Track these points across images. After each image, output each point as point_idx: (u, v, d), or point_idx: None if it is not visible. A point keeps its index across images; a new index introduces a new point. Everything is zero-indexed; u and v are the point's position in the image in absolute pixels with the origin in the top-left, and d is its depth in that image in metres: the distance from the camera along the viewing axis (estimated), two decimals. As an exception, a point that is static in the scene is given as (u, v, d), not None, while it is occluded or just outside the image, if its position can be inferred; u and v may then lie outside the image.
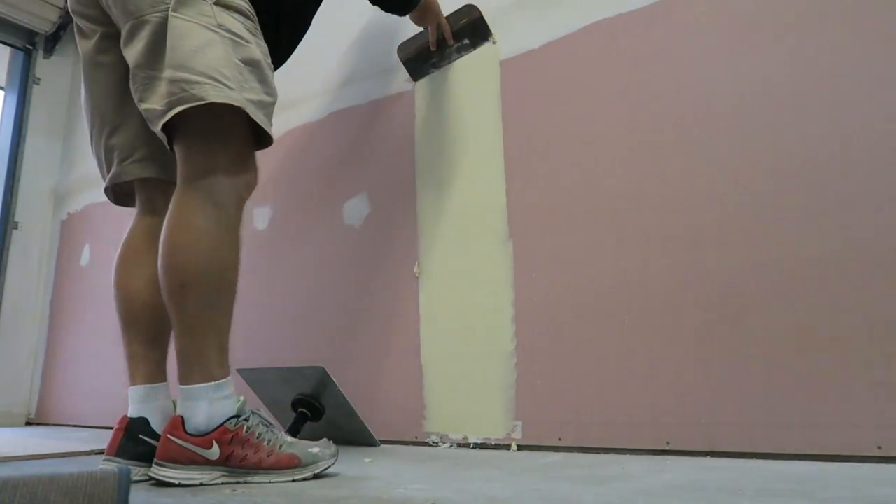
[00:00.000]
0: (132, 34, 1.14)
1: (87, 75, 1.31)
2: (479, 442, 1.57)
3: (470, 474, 1.11)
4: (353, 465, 1.28)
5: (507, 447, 1.51)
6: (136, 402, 1.22)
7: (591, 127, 1.54)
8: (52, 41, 3.23)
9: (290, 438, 1.11)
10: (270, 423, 1.11)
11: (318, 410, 1.60)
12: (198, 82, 1.07)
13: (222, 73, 1.09)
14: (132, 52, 1.15)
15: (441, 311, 1.71)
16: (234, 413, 1.06)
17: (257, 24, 1.21)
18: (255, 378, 1.72)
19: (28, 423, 2.94)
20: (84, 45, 1.30)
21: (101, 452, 1.54)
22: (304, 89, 2.12)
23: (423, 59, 1.83)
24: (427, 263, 1.77)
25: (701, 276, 1.33)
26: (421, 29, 1.81)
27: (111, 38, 1.24)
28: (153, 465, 1.04)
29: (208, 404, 1.05)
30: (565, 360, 1.47)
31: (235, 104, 1.09)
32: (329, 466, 1.10)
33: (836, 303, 1.18)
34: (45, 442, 1.94)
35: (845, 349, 1.16)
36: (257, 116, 1.13)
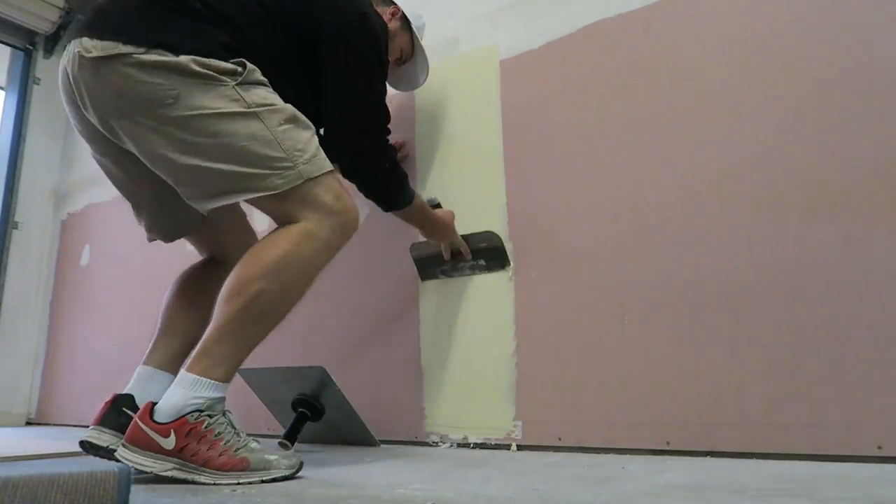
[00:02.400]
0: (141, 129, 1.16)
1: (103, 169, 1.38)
2: (479, 442, 1.57)
3: (470, 474, 1.11)
4: (353, 465, 1.27)
5: (507, 447, 1.51)
6: (134, 379, 1.32)
7: (590, 127, 1.54)
8: (52, 41, 3.23)
9: (254, 444, 1.09)
10: (237, 427, 1.10)
11: (318, 410, 1.60)
12: (258, 175, 1.13)
13: (275, 158, 1.14)
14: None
15: (441, 311, 1.71)
16: (200, 407, 1.07)
17: (266, 80, 1.21)
18: (255, 378, 1.72)
19: (28, 423, 2.94)
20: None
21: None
22: (304, 89, 2.11)
23: (434, 264, 1.72)
24: (427, 263, 1.77)
25: (701, 275, 1.33)
26: None
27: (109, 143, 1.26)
28: (120, 445, 1.06)
29: (188, 395, 1.07)
30: (565, 360, 1.47)
31: (296, 183, 1.15)
32: (283, 476, 1.07)
33: (836, 303, 1.18)
34: (45, 442, 1.94)
35: (845, 349, 1.16)
36: (321, 167, 1.18)
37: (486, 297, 1.64)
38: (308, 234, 1.15)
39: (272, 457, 1.08)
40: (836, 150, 1.23)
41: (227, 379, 1.12)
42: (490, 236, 1.62)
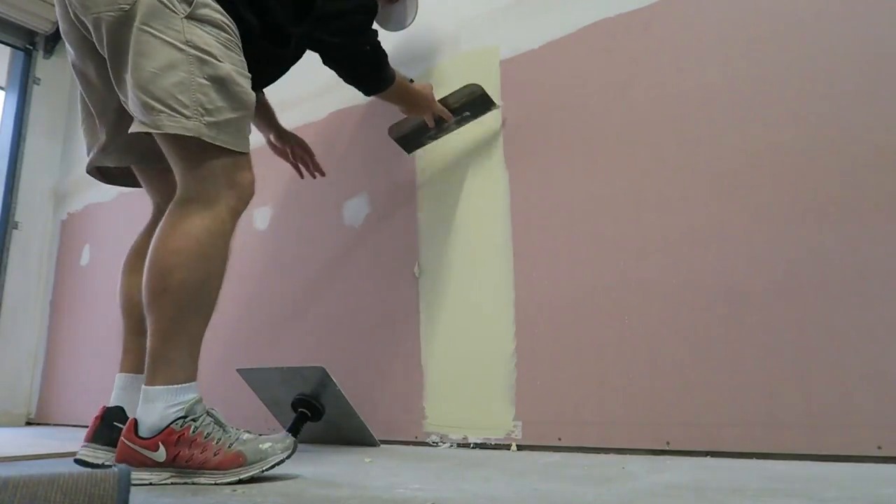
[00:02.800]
0: (96, 30, 1.16)
1: (77, 79, 1.35)
2: (479, 442, 1.57)
3: (470, 474, 1.11)
4: (353, 465, 1.27)
5: (507, 447, 1.51)
6: (116, 389, 1.32)
7: (591, 127, 1.54)
8: (52, 41, 3.23)
9: (245, 436, 1.08)
10: (223, 423, 1.10)
11: (318, 410, 1.60)
12: (154, 109, 1.10)
13: (178, 101, 1.10)
14: (103, 50, 1.17)
15: (441, 312, 1.71)
16: (182, 415, 1.06)
17: (234, 36, 1.19)
18: (255, 378, 1.72)
19: (28, 423, 2.94)
20: (71, 59, 1.33)
21: (101, 452, 1.54)
22: (305, 89, 2.11)
23: (419, 134, 1.74)
24: (427, 263, 1.77)
25: (701, 275, 1.33)
26: None
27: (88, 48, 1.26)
28: (113, 466, 1.05)
29: (164, 407, 1.06)
30: (565, 360, 1.47)
31: (189, 134, 1.10)
32: (280, 461, 1.06)
33: (836, 302, 1.18)
34: (45, 442, 1.94)
35: (845, 349, 1.16)
36: (217, 139, 1.13)
37: (486, 297, 1.64)
38: (204, 207, 1.13)
39: (265, 445, 1.07)
40: (837, 149, 1.23)
41: (191, 377, 1.10)
42: (471, 89, 1.62)
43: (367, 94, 1.58)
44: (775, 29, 1.33)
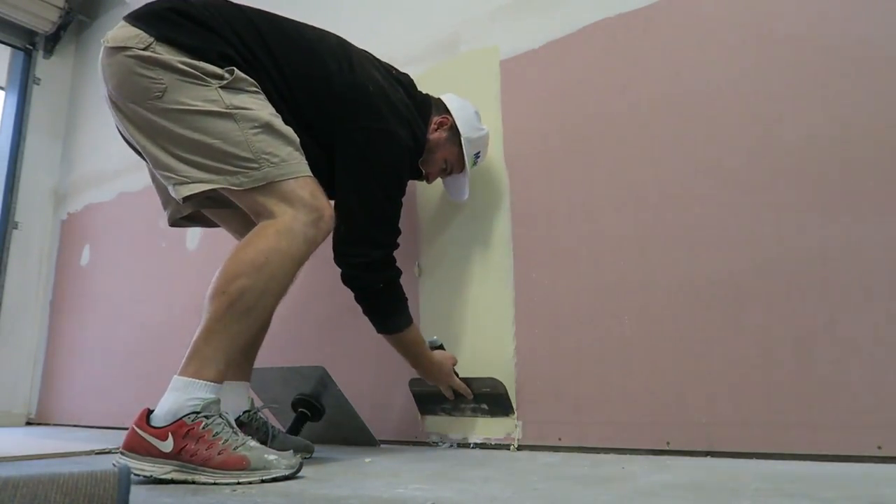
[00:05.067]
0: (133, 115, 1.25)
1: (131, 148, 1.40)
2: (479, 442, 1.57)
3: (470, 474, 1.11)
4: (353, 465, 1.28)
5: (507, 447, 1.51)
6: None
7: (591, 126, 1.54)
8: (52, 41, 3.23)
9: (253, 443, 1.10)
10: (236, 428, 1.11)
11: (318, 410, 1.60)
12: (224, 170, 1.20)
13: (245, 158, 1.20)
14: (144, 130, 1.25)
15: (441, 312, 1.71)
16: (196, 409, 1.08)
17: (262, 94, 1.26)
18: (255, 378, 1.71)
19: (28, 423, 2.94)
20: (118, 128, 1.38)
21: (101, 452, 1.54)
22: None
23: (435, 401, 1.62)
24: (427, 263, 1.77)
25: (701, 276, 1.33)
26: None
27: None
28: (119, 453, 1.08)
29: (184, 398, 1.08)
30: (565, 360, 1.47)
31: (264, 182, 1.20)
32: (283, 476, 1.06)
33: (835, 303, 1.18)
34: (45, 442, 1.94)
35: (845, 349, 1.16)
36: (287, 174, 1.22)
37: (486, 298, 1.63)
38: (282, 228, 1.19)
39: (272, 456, 1.08)
40: (837, 149, 1.23)
41: (219, 379, 1.13)
42: (494, 383, 1.53)
43: (376, 330, 1.49)
44: (775, 28, 1.33)
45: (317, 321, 1.95)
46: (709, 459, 1.23)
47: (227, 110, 1.20)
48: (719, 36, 1.39)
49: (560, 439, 1.44)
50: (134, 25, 1.22)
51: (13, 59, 3.23)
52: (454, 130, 1.54)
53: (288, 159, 1.23)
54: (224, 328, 1.14)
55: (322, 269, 1.98)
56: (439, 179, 1.66)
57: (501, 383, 1.53)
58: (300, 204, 1.21)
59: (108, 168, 2.92)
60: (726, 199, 1.33)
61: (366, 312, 1.47)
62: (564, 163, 1.57)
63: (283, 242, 1.18)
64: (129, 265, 2.65)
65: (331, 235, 1.32)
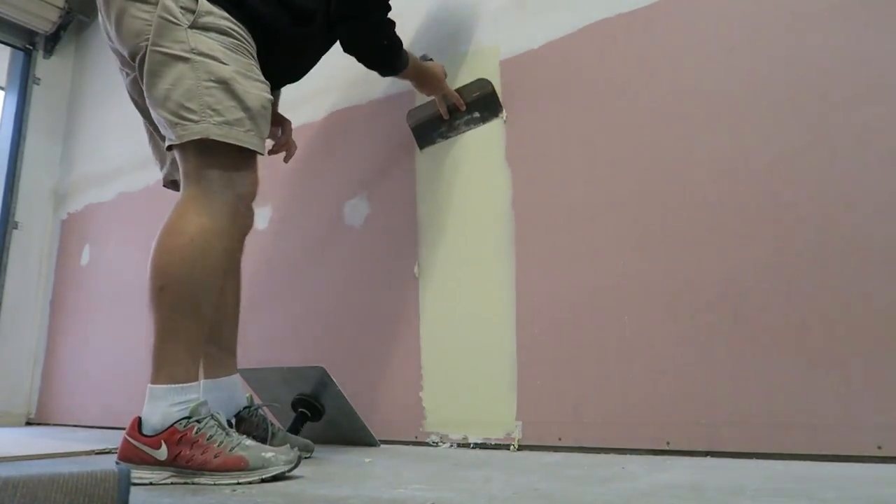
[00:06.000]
0: (131, 62, 1.25)
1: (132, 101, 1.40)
2: (479, 442, 1.57)
3: (470, 474, 1.11)
4: (353, 465, 1.27)
5: (507, 447, 1.51)
6: None
7: (591, 127, 1.54)
8: (52, 41, 3.23)
9: (248, 442, 1.09)
10: (228, 428, 1.10)
11: (318, 410, 1.60)
12: (172, 122, 1.16)
13: (188, 109, 1.15)
14: (141, 80, 1.24)
15: (441, 312, 1.71)
16: (186, 415, 1.07)
17: (241, 40, 1.23)
18: (255, 378, 1.72)
19: (28, 423, 2.94)
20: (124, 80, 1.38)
21: (101, 452, 1.54)
22: (305, 89, 2.11)
23: (431, 128, 1.80)
24: (427, 263, 1.77)
25: (701, 276, 1.33)
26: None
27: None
28: (115, 462, 1.07)
29: (167, 406, 1.07)
30: (565, 360, 1.47)
31: (199, 136, 1.15)
32: (283, 472, 1.06)
33: (835, 302, 1.18)
34: (45, 442, 1.94)
35: (845, 349, 1.16)
36: (229, 136, 1.17)
37: (486, 297, 1.63)
38: (202, 205, 1.16)
39: (269, 454, 1.07)
40: (837, 149, 1.23)
41: (193, 377, 1.12)
42: (482, 83, 1.69)
43: (382, 75, 1.65)
44: (776, 28, 1.33)
45: (317, 321, 1.95)
46: (709, 459, 1.23)
47: (187, 54, 1.16)
48: (719, 36, 1.39)
49: (560, 439, 1.44)
50: None
51: (13, 59, 3.23)
52: None
53: (234, 123, 1.17)
54: (176, 325, 1.11)
55: (322, 268, 1.98)
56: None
57: (488, 81, 1.68)
58: (221, 171, 1.17)
59: (108, 168, 2.92)
60: (727, 199, 1.33)
61: (377, 65, 1.58)
62: (565, 163, 1.57)
63: (205, 219, 1.15)
64: (129, 265, 2.65)
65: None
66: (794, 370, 1.20)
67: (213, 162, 1.17)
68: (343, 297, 1.91)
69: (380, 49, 1.54)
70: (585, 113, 1.56)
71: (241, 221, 1.24)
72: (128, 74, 1.33)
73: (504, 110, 1.67)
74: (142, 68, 1.20)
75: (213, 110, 1.15)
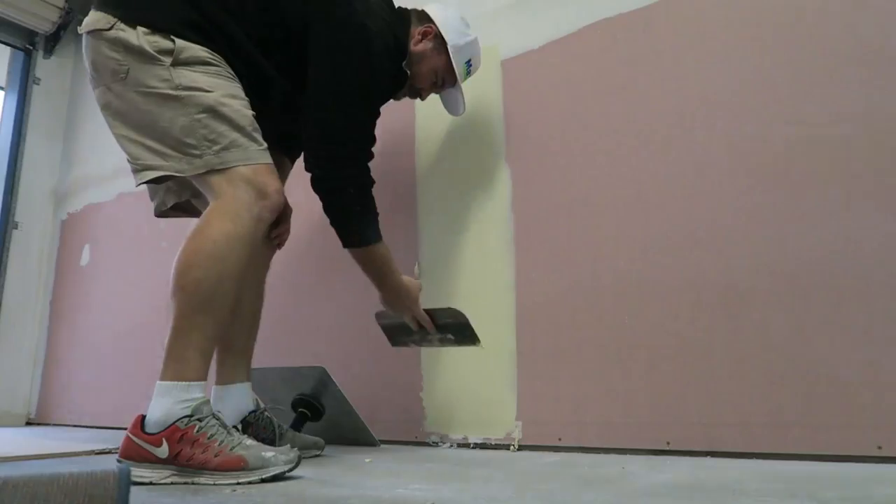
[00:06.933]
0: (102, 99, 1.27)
1: None
2: (479, 442, 1.57)
3: (470, 474, 1.11)
4: (353, 465, 1.27)
5: (507, 447, 1.51)
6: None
7: (591, 126, 1.54)
8: (52, 41, 3.23)
9: (248, 442, 1.09)
10: (229, 427, 1.11)
11: (318, 410, 1.60)
12: (171, 156, 1.20)
13: (187, 144, 1.20)
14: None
15: (441, 311, 1.71)
16: (188, 413, 1.07)
17: (219, 65, 1.25)
18: (255, 378, 1.71)
19: (28, 423, 2.94)
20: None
21: (101, 452, 1.54)
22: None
23: (403, 332, 1.57)
24: (427, 263, 1.77)
25: (701, 276, 1.33)
26: None
27: None
28: (115, 461, 1.08)
29: (172, 403, 1.08)
30: (565, 360, 1.47)
31: (204, 170, 1.19)
32: (282, 472, 1.06)
33: (836, 302, 1.18)
34: (45, 442, 1.94)
35: (845, 349, 1.16)
36: (228, 161, 1.20)
37: (486, 297, 1.63)
38: (225, 210, 1.18)
39: (269, 454, 1.07)
40: (837, 149, 1.23)
41: (201, 377, 1.13)
42: (454, 313, 1.48)
43: (342, 244, 1.41)
44: (776, 28, 1.33)
45: (317, 321, 1.95)
46: (709, 459, 1.23)
47: (176, 92, 1.19)
48: (719, 36, 1.39)
49: (560, 439, 1.44)
50: (99, 9, 1.24)
51: (13, 59, 3.23)
52: (440, 39, 1.49)
53: (230, 147, 1.20)
54: (190, 324, 1.13)
55: (322, 268, 1.98)
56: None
57: (462, 313, 1.48)
58: (241, 182, 1.20)
59: (107, 168, 2.92)
60: (726, 199, 1.33)
61: (333, 223, 1.38)
62: (565, 163, 1.57)
63: (228, 224, 1.17)
64: (129, 265, 2.65)
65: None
66: (794, 370, 1.20)
67: (228, 180, 1.20)
68: (343, 296, 1.91)
69: (339, 201, 1.35)
70: (585, 113, 1.56)
71: (264, 228, 1.25)
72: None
73: (480, 342, 1.48)
74: (123, 103, 1.23)
75: (209, 141, 1.20)
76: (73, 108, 3.30)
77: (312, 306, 1.98)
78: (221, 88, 1.23)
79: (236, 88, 1.26)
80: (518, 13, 1.72)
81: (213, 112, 1.21)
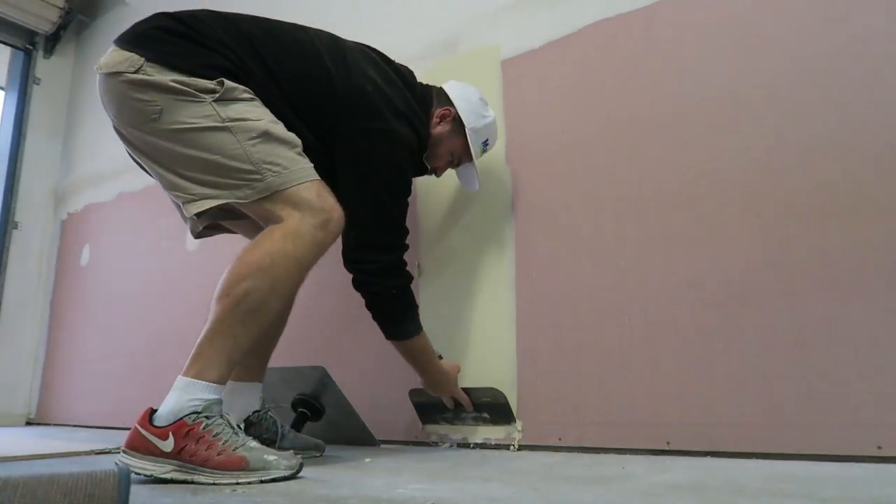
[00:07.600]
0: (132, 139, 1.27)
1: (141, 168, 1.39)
2: (479, 442, 1.57)
3: (470, 474, 1.11)
4: (353, 465, 1.27)
5: (507, 447, 1.51)
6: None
7: (590, 127, 1.54)
8: (52, 41, 3.24)
9: (253, 444, 1.10)
10: (236, 428, 1.11)
11: (318, 410, 1.60)
12: (226, 184, 1.20)
13: (244, 171, 1.19)
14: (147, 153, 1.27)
15: (441, 311, 1.71)
16: (197, 409, 1.08)
17: (258, 100, 1.25)
18: (255, 378, 1.72)
19: (28, 423, 2.94)
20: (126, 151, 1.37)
21: (101, 452, 1.54)
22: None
23: (435, 410, 1.62)
24: (427, 263, 1.77)
25: (701, 276, 1.33)
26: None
27: None
28: (121, 451, 1.08)
29: (185, 398, 1.09)
30: (565, 360, 1.47)
31: (268, 193, 1.19)
32: (282, 477, 1.06)
33: (836, 302, 1.18)
34: (45, 442, 1.94)
35: (845, 349, 1.16)
36: (289, 182, 1.21)
37: (486, 298, 1.63)
38: (289, 231, 1.18)
39: (271, 457, 1.08)
40: (837, 149, 1.23)
41: (221, 381, 1.13)
42: (494, 393, 1.52)
43: (385, 336, 1.48)
44: (776, 28, 1.33)
45: (317, 321, 1.95)
46: (709, 459, 1.23)
47: (224, 124, 1.19)
48: (719, 36, 1.39)
49: (560, 439, 1.44)
50: (123, 49, 1.22)
51: (13, 59, 3.23)
52: (458, 121, 1.51)
53: (290, 166, 1.22)
54: (228, 330, 1.13)
55: (323, 268, 1.97)
56: (447, 172, 1.64)
57: (502, 393, 1.51)
58: (307, 207, 1.20)
59: (107, 168, 2.92)
60: (726, 199, 1.33)
61: (376, 318, 1.46)
62: (565, 163, 1.57)
63: (290, 245, 1.17)
64: (129, 265, 2.65)
65: (339, 238, 1.30)
66: (793, 370, 1.20)
67: (293, 204, 1.20)
68: (343, 296, 1.90)
69: (381, 298, 1.42)
70: (585, 113, 1.56)
71: (323, 254, 1.25)
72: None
73: (517, 419, 1.50)
74: (156, 144, 1.22)
75: (268, 163, 1.20)
76: (73, 108, 3.30)
77: (312, 306, 1.97)
78: (267, 116, 1.25)
79: (273, 116, 1.27)
80: (518, 13, 1.72)
81: (268, 135, 1.21)
